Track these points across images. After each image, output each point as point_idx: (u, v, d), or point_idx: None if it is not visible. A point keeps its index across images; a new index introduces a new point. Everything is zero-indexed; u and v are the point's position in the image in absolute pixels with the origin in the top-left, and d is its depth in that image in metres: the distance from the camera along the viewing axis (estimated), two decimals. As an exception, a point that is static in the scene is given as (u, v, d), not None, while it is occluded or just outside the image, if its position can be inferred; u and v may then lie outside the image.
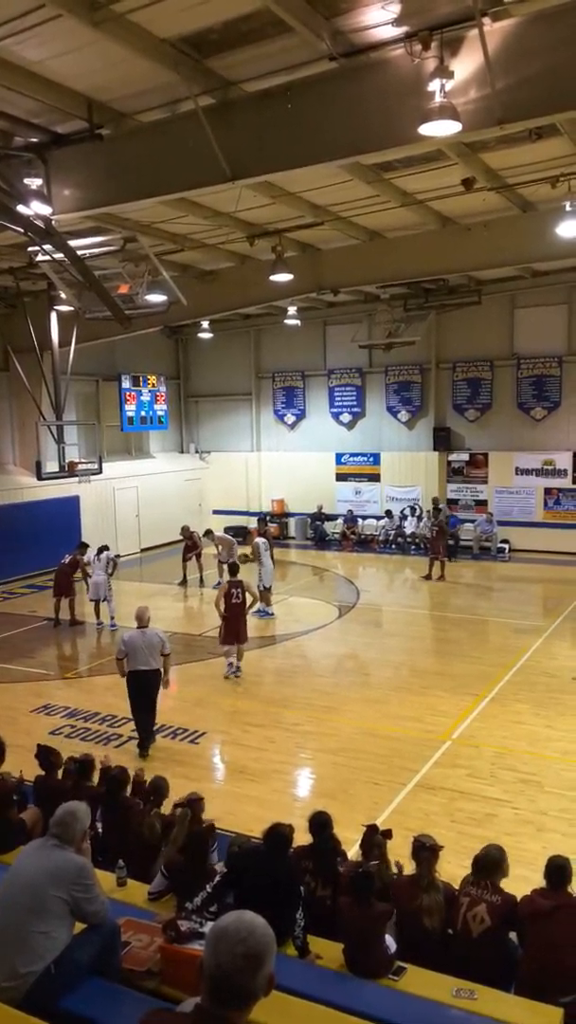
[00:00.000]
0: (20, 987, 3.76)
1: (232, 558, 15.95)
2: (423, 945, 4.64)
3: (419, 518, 21.77)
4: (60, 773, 6.63)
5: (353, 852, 5.72)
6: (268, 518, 21.69)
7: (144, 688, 9.30)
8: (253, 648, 13.46)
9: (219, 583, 15.56)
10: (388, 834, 5.30)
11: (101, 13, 7.16)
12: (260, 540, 15.75)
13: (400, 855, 5.21)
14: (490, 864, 4.76)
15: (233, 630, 12.03)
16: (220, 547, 17.31)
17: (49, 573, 15.95)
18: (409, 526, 21.93)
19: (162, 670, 9.34)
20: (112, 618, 14.98)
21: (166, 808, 5.94)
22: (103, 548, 15.39)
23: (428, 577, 18.42)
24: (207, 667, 12.43)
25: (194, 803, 5.61)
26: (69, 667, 13.29)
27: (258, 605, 15.16)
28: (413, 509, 22.11)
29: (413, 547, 21.48)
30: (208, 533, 18.32)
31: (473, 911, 4.62)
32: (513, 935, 4.71)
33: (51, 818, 4.25)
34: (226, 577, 12.51)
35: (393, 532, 22.16)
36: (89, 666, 13.22)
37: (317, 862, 5.15)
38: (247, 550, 16.31)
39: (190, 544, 18.33)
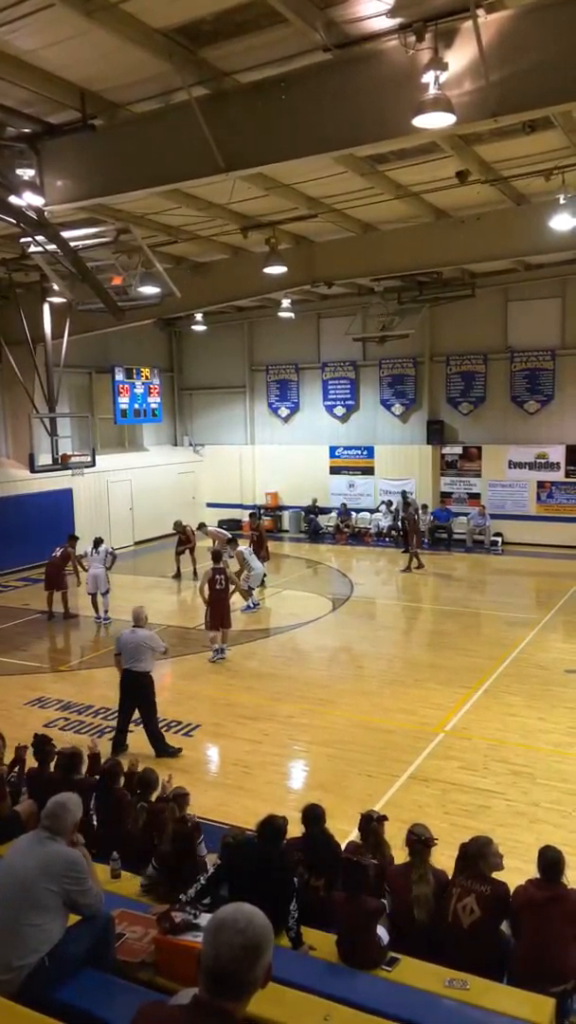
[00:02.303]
0: (14, 980, 3.77)
1: (227, 552, 15.95)
2: (412, 935, 4.67)
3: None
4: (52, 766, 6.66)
5: (350, 839, 5.75)
6: (260, 513, 21.64)
7: (130, 689, 9.14)
8: (247, 641, 13.50)
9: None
10: (383, 819, 5.36)
11: (94, 2, 7.10)
12: (243, 549, 15.78)
13: (395, 846, 5.25)
14: (471, 854, 4.80)
15: (218, 615, 12.23)
16: (214, 541, 17.28)
17: (42, 566, 15.93)
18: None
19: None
20: (106, 611, 14.96)
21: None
22: (99, 540, 15.34)
23: (416, 567, 18.55)
24: (201, 660, 12.44)
25: (179, 797, 5.62)
26: (63, 660, 13.27)
27: (244, 602, 15.19)
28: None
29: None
30: (201, 527, 18.32)
31: (463, 902, 4.65)
32: (505, 926, 4.74)
33: (42, 810, 4.25)
34: (209, 564, 12.68)
35: (388, 526, 22.19)
36: (82, 659, 13.20)
37: (310, 853, 5.17)
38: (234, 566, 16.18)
39: (183, 538, 18.32)
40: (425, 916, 4.72)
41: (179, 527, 18.39)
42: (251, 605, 15.28)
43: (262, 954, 2.05)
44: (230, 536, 17.16)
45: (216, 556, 12.71)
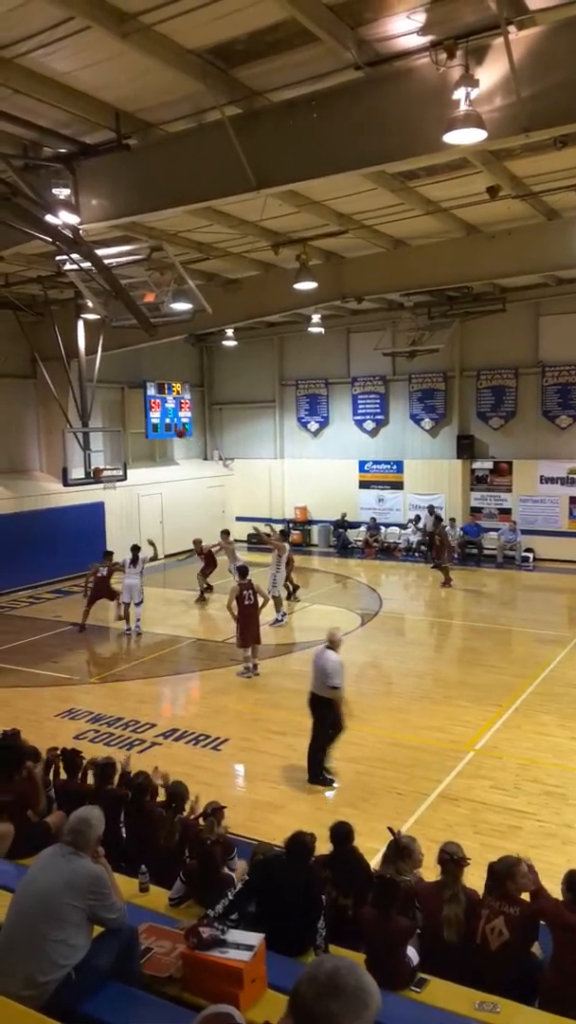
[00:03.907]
0: (40, 995, 3.76)
1: (237, 562, 15.97)
2: (442, 954, 4.61)
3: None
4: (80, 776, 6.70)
5: (377, 860, 5.69)
6: (290, 528, 21.57)
7: (312, 711, 8.66)
8: (276, 655, 13.48)
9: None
10: (410, 840, 5.29)
11: (129, 24, 7.25)
12: (284, 545, 15.69)
13: (426, 864, 5.18)
14: (499, 874, 4.72)
15: (249, 631, 12.14)
16: (228, 557, 17.25)
17: (74, 579, 15.98)
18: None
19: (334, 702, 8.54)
20: (138, 622, 15.05)
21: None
22: (137, 549, 15.33)
23: (443, 583, 18.46)
24: (229, 674, 12.44)
25: (216, 811, 5.62)
26: (94, 672, 13.34)
27: (275, 614, 15.18)
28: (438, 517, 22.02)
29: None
30: (225, 533, 18.13)
31: (492, 924, 4.57)
32: (536, 948, 4.65)
33: (65, 825, 4.26)
34: (236, 579, 12.63)
35: (417, 540, 22.07)
36: (113, 671, 13.26)
37: (338, 871, 5.13)
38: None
39: (207, 561, 17.74)
40: (455, 936, 4.65)
41: (199, 547, 17.86)
42: (279, 618, 15.26)
43: (344, 997, 1.85)
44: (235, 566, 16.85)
45: (243, 571, 12.68)
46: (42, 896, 3.93)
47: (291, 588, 17.13)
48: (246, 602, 12.16)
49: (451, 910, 4.68)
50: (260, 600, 12.40)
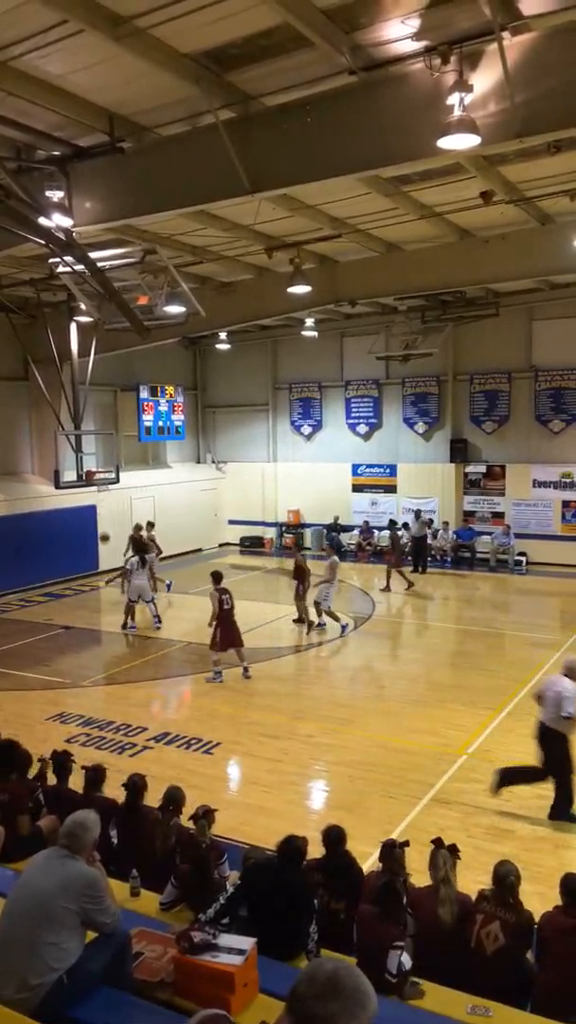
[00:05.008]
0: (32, 999, 3.74)
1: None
2: (434, 958, 4.59)
3: (434, 530, 21.69)
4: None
5: (369, 864, 5.68)
6: (283, 529, 21.51)
7: (542, 742, 7.90)
8: (268, 659, 13.46)
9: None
10: (405, 844, 5.27)
11: (123, 28, 7.25)
12: (335, 558, 15.31)
13: (417, 868, 5.17)
14: (496, 878, 4.74)
15: (228, 636, 12.13)
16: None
17: (66, 581, 15.89)
18: (430, 537, 21.78)
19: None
20: (157, 616, 15.37)
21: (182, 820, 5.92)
22: (146, 549, 15.67)
23: (383, 588, 18.62)
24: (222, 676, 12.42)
25: (208, 814, 5.60)
26: (85, 675, 13.28)
27: (315, 619, 15.01)
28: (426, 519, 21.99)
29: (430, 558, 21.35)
30: (150, 525, 18.18)
31: (487, 928, 4.57)
32: (530, 953, 4.65)
33: (60, 828, 4.25)
34: (212, 585, 12.51)
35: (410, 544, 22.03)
36: (105, 674, 13.22)
37: (330, 875, 5.12)
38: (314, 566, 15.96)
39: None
40: (449, 915, 4.64)
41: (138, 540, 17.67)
42: (322, 623, 15.06)
43: (343, 997, 1.85)
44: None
45: (217, 577, 12.57)
46: (36, 898, 3.91)
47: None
48: (225, 606, 12.15)
49: (445, 892, 4.69)
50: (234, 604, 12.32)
